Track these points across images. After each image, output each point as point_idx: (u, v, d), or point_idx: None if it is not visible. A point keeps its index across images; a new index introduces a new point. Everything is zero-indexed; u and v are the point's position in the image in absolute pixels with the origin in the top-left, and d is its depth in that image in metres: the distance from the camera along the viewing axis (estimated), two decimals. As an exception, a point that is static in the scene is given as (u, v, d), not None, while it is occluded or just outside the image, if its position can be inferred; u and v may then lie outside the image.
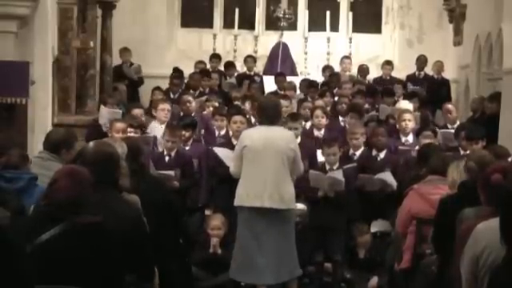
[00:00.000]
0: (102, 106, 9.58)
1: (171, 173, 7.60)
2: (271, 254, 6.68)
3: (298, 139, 7.88)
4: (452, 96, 13.19)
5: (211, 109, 10.00)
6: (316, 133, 9.20)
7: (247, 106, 9.98)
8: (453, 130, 8.86)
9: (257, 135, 6.80)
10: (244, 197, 6.71)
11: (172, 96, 11.70)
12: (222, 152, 7.77)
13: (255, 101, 9.71)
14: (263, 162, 6.67)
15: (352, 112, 9.63)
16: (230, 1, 14.94)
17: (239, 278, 6.87)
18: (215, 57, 13.64)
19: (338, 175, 7.42)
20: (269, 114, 6.81)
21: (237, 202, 6.78)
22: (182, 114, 9.97)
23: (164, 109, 9.23)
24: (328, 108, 10.22)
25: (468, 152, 7.69)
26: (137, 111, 9.12)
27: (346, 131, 9.02)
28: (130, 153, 5.48)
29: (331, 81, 12.53)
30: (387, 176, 7.70)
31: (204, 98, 10.90)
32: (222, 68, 13.48)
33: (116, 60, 13.12)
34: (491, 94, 10.26)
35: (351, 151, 8.32)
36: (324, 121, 9.24)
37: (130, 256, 4.08)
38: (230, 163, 7.17)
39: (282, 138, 6.80)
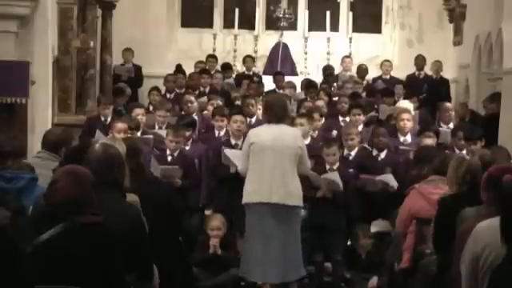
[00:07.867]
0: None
1: (175, 167, 7.61)
2: (278, 252, 6.68)
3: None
4: (451, 96, 13.19)
5: (210, 107, 9.99)
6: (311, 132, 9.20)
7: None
8: (448, 130, 8.89)
9: (264, 132, 6.81)
10: (252, 193, 6.70)
11: (168, 96, 11.70)
12: (231, 152, 7.76)
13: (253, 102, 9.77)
14: (271, 158, 6.67)
15: (355, 108, 9.58)
16: (229, 1, 14.93)
17: (248, 276, 6.88)
18: (212, 57, 13.61)
19: (335, 177, 7.41)
20: (276, 112, 6.82)
21: (244, 200, 6.76)
22: (183, 113, 9.97)
23: (160, 115, 9.28)
24: (324, 109, 10.21)
25: (464, 152, 7.71)
26: (138, 111, 9.11)
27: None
28: (129, 153, 5.47)
29: (329, 79, 12.51)
30: (389, 178, 7.69)
31: (205, 98, 10.89)
32: (219, 68, 13.45)
33: (118, 60, 13.12)
34: (491, 94, 10.26)
35: (346, 151, 8.31)
36: (320, 123, 9.28)
37: (129, 256, 4.09)
38: (238, 162, 7.18)
39: (289, 135, 6.81)
